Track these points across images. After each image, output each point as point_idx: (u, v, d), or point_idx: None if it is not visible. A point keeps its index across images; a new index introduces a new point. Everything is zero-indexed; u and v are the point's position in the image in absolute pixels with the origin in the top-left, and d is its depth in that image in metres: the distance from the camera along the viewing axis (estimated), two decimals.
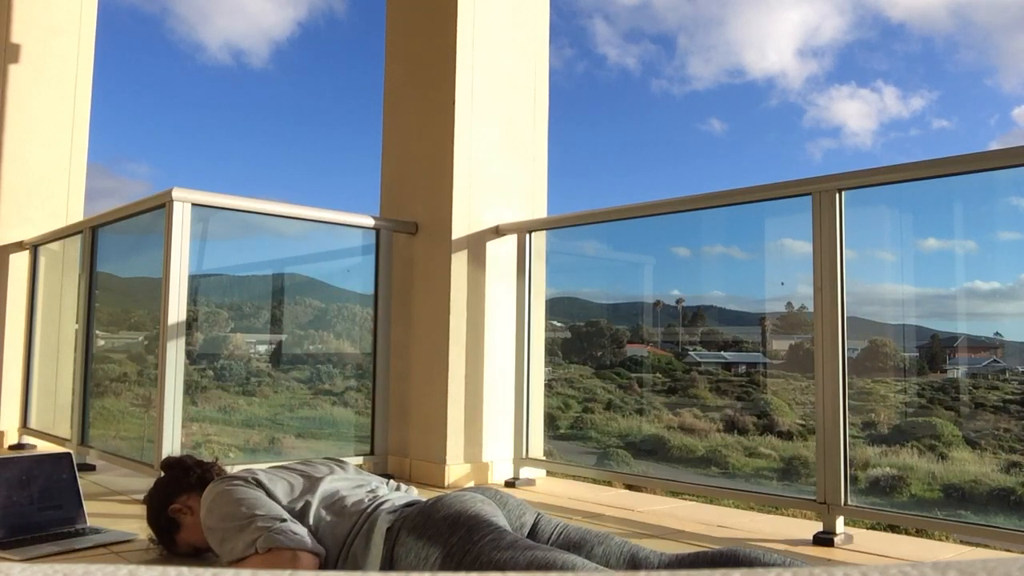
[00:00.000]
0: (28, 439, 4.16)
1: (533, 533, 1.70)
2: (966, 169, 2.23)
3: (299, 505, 1.72)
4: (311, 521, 1.69)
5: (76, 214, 4.47)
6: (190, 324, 3.00)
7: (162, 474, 2.00)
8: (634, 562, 1.63)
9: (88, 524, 2.23)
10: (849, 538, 2.30)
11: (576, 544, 1.66)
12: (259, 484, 1.73)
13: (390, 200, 3.59)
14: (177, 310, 2.82)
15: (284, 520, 1.65)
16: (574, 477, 3.46)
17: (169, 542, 1.93)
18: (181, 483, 1.93)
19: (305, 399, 3.96)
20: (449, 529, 1.55)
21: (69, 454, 2.28)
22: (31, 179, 4.40)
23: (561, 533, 1.71)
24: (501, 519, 1.63)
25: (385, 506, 1.69)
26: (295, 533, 1.62)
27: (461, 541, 1.53)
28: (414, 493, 1.92)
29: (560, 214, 3.46)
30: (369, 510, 1.69)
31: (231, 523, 1.66)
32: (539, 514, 1.76)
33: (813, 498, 2.38)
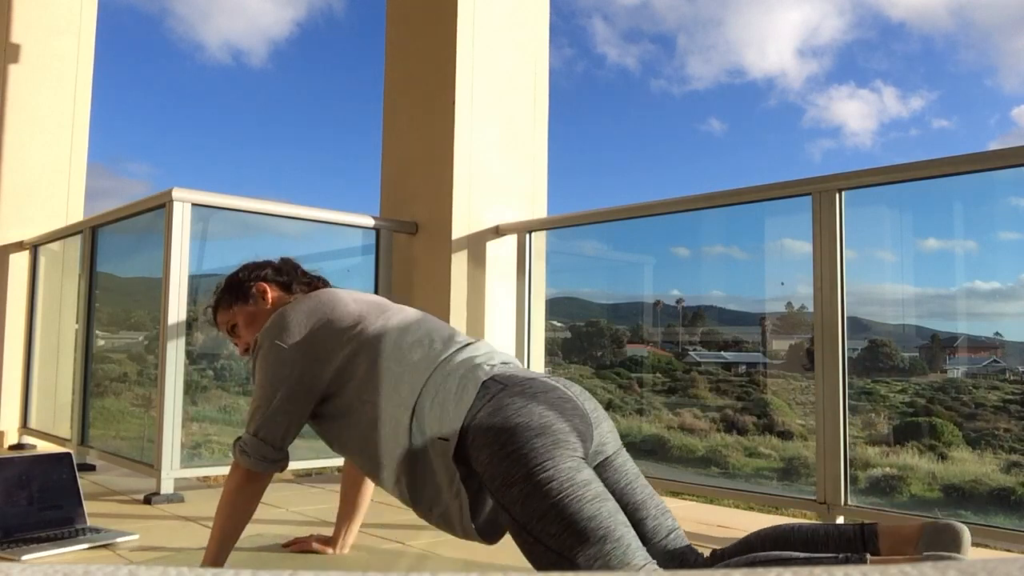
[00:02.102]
0: (28, 439, 4.15)
1: (604, 465, 1.61)
2: (966, 169, 2.23)
3: (370, 323, 1.65)
4: (384, 339, 1.61)
5: (76, 214, 4.46)
6: (190, 324, 2.99)
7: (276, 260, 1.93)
8: (673, 557, 1.56)
9: (88, 524, 2.23)
10: None
11: (633, 507, 1.57)
12: (315, 359, 1.64)
13: (390, 200, 3.59)
14: (177, 310, 2.82)
15: (274, 439, 1.63)
16: None
17: (225, 310, 1.87)
18: (278, 276, 1.87)
19: None
20: (523, 426, 1.45)
21: (69, 454, 2.27)
22: (31, 179, 4.40)
23: (627, 483, 1.61)
24: (579, 436, 1.51)
25: (481, 358, 1.62)
26: (261, 458, 1.63)
27: (528, 447, 1.43)
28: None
29: (560, 214, 3.45)
30: (469, 354, 1.62)
31: (257, 389, 1.67)
32: (621, 449, 1.66)
33: (813, 498, 2.38)
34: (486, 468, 1.46)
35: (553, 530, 1.39)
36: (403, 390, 1.57)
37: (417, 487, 1.57)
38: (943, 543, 1.36)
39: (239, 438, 1.69)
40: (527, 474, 1.41)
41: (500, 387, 1.53)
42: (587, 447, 1.53)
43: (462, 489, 1.50)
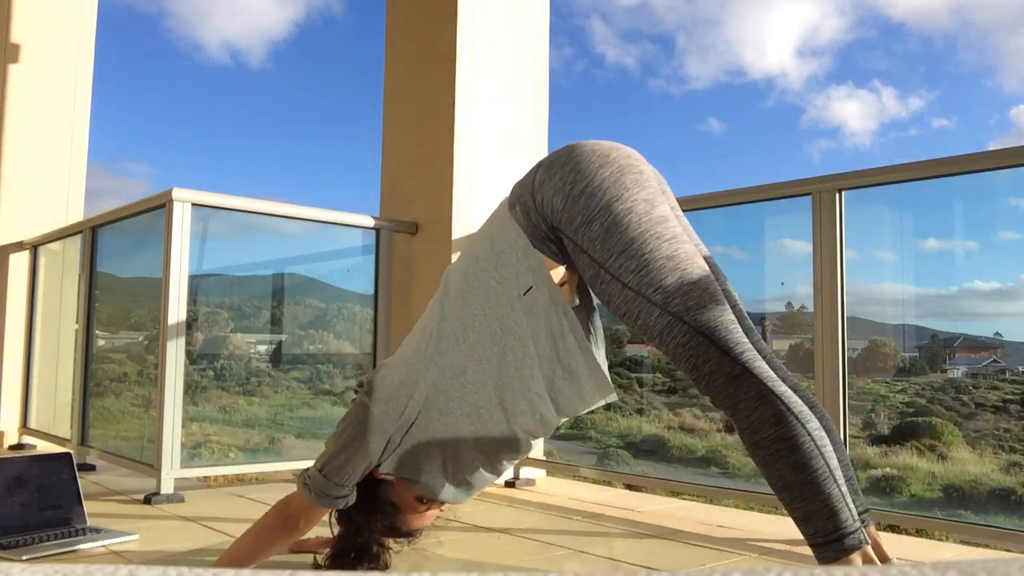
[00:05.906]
0: (28, 439, 4.15)
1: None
2: (966, 169, 2.23)
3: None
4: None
5: (76, 214, 4.46)
6: (190, 324, 3.00)
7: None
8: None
9: (88, 524, 2.23)
10: None
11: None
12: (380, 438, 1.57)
13: (390, 200, 3.59)
14: (177, 310, 2.82)
15: (335, 491, 1.60)
16: (574, 477, 3.46)
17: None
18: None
19: (305, 399, 3.96)
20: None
21: (69, 454, 2.27)
22: (31, 178, 4.40)
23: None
24: (639, 166, 1.45)
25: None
26: (321, 494, 1.59)
27: (598, 178, 1.39)
28: None
29: None
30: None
31: (330, 446, 1.61)
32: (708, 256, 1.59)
33: None
34: (562, 213, 1.41)
35: (633, 266, 1.35)
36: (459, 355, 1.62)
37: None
38: None
39: (305, 470, 1.65)
40: (606, 206, 1.37)
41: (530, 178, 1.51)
42: (651, 176, 1.48)
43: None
